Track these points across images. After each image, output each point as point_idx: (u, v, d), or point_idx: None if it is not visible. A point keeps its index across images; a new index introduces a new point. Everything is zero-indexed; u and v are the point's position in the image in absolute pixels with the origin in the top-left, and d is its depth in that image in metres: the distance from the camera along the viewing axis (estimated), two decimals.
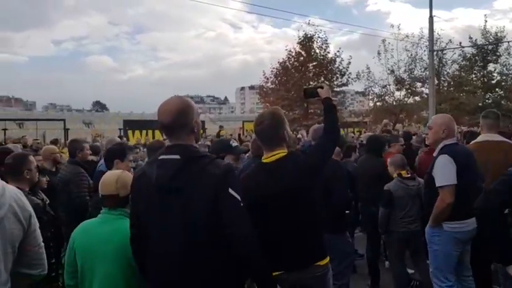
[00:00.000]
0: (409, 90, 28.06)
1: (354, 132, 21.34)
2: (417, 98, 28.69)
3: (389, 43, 27.01)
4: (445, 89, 29.69)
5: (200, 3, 20.44)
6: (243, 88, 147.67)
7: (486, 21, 28.29)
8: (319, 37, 26.70)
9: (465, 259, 3.74)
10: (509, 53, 28.37)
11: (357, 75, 27.25)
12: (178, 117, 2.11)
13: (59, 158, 5.54)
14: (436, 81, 25.36)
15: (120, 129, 20.65)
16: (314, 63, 26.71)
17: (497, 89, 29.38)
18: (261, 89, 28.78)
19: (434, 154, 3.73)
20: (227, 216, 2.02)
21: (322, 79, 25.25)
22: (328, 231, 2.96)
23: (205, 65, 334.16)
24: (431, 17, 20.08)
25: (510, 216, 2.71)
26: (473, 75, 29.85)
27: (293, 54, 26.81)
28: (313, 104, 24.59)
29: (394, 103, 28.01)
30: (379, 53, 27.25)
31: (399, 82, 27.55)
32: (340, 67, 26.83)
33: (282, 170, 2.54)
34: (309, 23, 26.81)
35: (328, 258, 2.60)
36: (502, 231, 2.62)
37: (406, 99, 28.43)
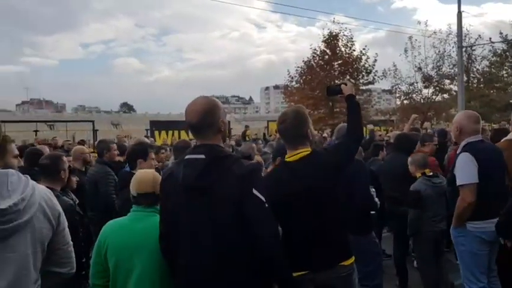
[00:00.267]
0: (437, 88, 27.55)
1: (380, 130, 21.02)
2: (446, 96, 28.18)
3: (416, 40, 26.63)
4: (475, 85, 29.05)
5: (225, 3, 20.52)
6: (267, 88, 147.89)
7: None
8: (344, 35, 26.54)
9: (491, 258, 3.62)
10: None
11: (383, 73, 26.96)
12: (205, 117, 2.13)
13: (88, 158, 5.63)
14: (465, 78, 24.81)
15: (147, 129, 20.90)
16: (339, 62, 26.49)
17: None
18: (286, 88, 28.71)
19: (458, 152, 3.63)
20: (251, 217, 2.02)
21: (348, 77, 24.94)
22: (353, 232, 2.93)
23: (230, 65, 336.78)
24: (459, 13, 19.73)
25: None
26: (504, 72, 29.14)
27: (318, 52, 26.65)
28: (338, 103, 24.37)
29: (422, 101, 27.56)
30: (406, 50, 26.95)
31: (427, 79, 27.08)
32: (366, 65, 26.50)
33: (306, 168, 2.52)
34: (333, 21, 26.68)
35: (353, 258, 2.57)
36: None
37: (434, 96, 27.94)
